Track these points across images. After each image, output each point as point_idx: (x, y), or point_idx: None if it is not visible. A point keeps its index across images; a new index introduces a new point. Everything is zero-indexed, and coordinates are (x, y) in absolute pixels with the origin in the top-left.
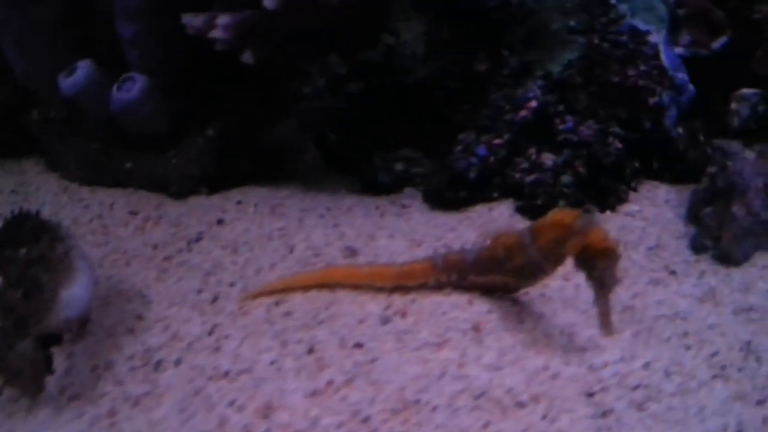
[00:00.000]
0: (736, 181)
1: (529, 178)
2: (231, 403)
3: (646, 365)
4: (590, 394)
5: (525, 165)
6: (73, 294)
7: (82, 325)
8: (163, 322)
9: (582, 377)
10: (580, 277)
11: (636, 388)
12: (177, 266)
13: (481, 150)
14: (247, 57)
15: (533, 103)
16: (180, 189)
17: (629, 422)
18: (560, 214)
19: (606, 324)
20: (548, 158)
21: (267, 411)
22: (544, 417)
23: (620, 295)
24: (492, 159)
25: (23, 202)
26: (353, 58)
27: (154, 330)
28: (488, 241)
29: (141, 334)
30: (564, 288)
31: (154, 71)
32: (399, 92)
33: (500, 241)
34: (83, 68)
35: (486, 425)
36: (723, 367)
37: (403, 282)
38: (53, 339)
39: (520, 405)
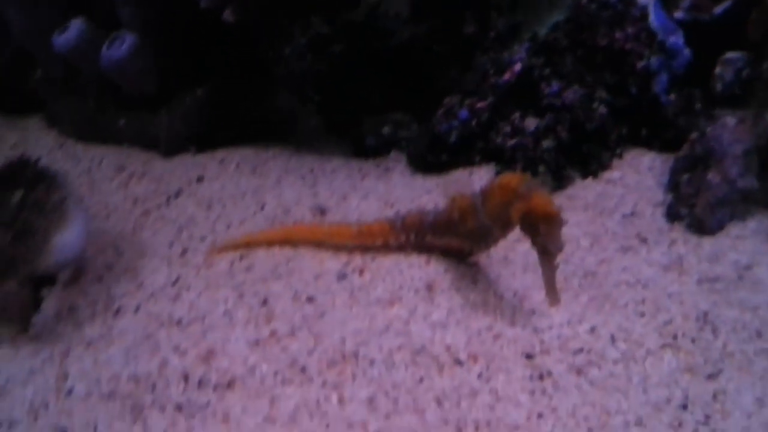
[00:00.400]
0: (714, 148)
1: (510, 143)
2: (175, 348)
3: (592, 330)
4: (530, 356)
5: (508, 129)
6: (66, 239)
7: (74, 270)
8: (131, 272)
9: (524, 339)
10: None
11: (578, 352)
12: (154, 220)
13: (463, 113)
14: (228, 15)
15: (518, 66)
16: (168, 147)
17: (566, 386)
18: (506, 178)
19: (551, 292)
20: (531, 123)
21: (208, 357)
22: (479, 375)
23: (586, 260)
24: (474, 122)
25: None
26: (336, 18)
27: (122, 279)
28: (447, 203)
29: (108, 282)
30: (529, 252)
31: (144, 30)
32: (384, 55)
33: (456, 203)
34: (75, 26)
35: (420, 380)
36: (675, 337)
37: (363, 241)
38: (45, 281)
39: (458, 362)
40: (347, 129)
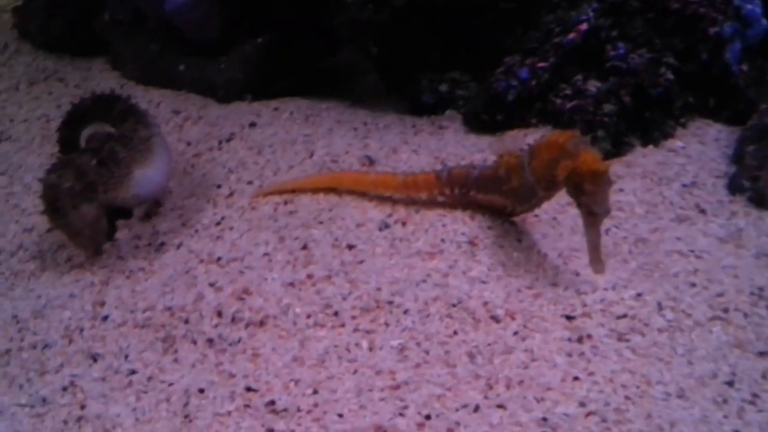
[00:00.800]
0: None
1: (569, 105)
2: (212, 284)
3: (638, 296)
4: (570, 318)
5: (568, 91)
6: (147, 174)
7: (153, 205)
8: (178, 211)
9: (565, 300)
10: None
11: (621, 317)
12: (204, 162)
13: (523, 72)
14: None
15: (584, 26)
16: (225, 94)
17: (605, 351)
18: (555, 135)
19: (595, 258)
20: (593, 86)
21: (243, 294)
22: (515, 333)
23: (639, 227)
24: (534, 83)
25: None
26: None
27: (168, 216)
28: (495, 160)
29: (155, 219)
30: (579, 215)
31: None
32: (447, 10)
33: (504, 159)
34: None
35: (454, 333)
36: (726, 310)
37: (407, 192)
38: (122, 213)
39: (494, 319)
40: (404, 86)
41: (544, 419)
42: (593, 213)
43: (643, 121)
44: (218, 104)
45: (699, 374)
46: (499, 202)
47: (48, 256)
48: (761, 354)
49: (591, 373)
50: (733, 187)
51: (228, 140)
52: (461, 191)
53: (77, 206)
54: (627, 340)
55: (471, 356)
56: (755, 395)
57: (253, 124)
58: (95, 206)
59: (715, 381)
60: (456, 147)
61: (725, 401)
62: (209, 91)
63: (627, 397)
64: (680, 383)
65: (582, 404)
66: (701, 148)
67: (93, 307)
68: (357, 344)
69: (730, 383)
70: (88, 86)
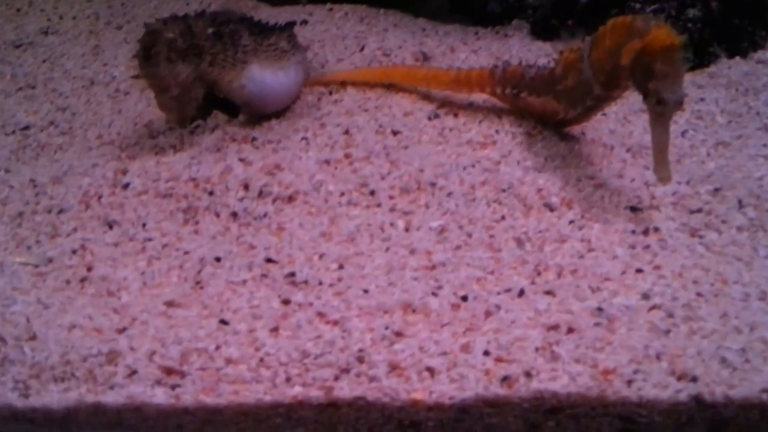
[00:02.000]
0: None
1: (649, 9)
2: (242, 159)
3: (716, 191)
4: (635, 209)
5: None
6: (265, 76)
7: (257, 109)
8: None
9: (631, 191)
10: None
11: (695, 212)
12: None
13: None
14: None
15: None
16: None
17: (674, 245)
18: (621, 17)
19: (660, 162)
20: None
21: (274, 170)
22: (571, 222)
23: (719, 134)
24: None
25: None
26: None
27: None
28: (556, 58)
29: None
30: None
31: None
32: None
33: (564, 56)
34: None
35: (501, 218)
36: None
37: (459, 88)
38: (226, 106)
39: (548, 206)
40: (470, 4)
41: (600, 309)
42: (663, 101)
43: (731, 29)
44: (271, 6)
45: None
46: (551, 106)
47: (78, 133)
48: None
49: (657, 267)
50: None
51: None
52: (513, 91)
53: (173, 61)
54: (701, 237)
55: (519, 242)
56: None
57: (304, 22)
58: (193, 71)
59: None
60: (520, 50)
61: None
62: None
63: (699, 294)
64: (762, 286)
65: (645, 296)
66: None
67: (114, 174)
68: (392, 224)
69: None
70: None
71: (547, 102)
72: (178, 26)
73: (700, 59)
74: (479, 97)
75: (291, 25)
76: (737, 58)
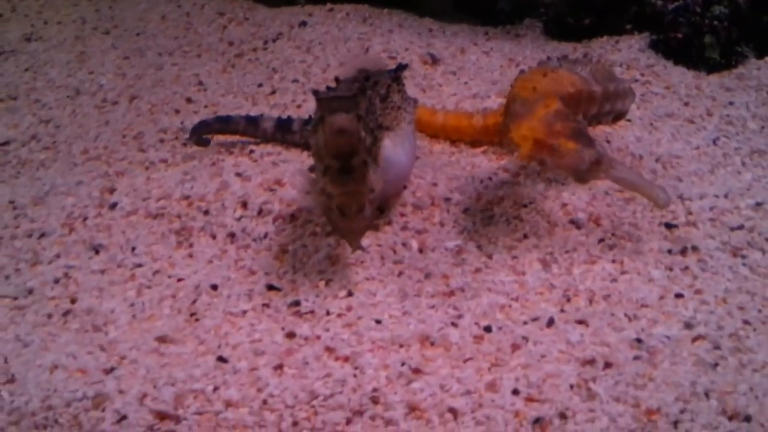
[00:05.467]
0: None
1: (672, 6)
2: (239, 175)
3: (758, 206)
4: (670, 226)
5: None
6: (395, 152)
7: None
8: (212, 108)
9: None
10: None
11: (736, 229)
12: (247, 62)
13: None
14: None
15: None
16: None
17: (715, 266)
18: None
19: (646, 194)
20: None
21: (274, 185)
22: (600, 240)
23: (753, 141)
24: None
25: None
26: None
27: (201, 112)
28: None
29: (185, 114)
30: (677, 123)
31: None
32: None
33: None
34: None
35: (523, 237)
36: None
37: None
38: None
39: (574, 223)
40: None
41: (639, 340)
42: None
43: (760, 27)
44: (267, 7)
45: None
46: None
47: (62, 148)
48: None
49: (698, 291)
50: None
51: (274, 40)
52: None
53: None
54: (743, 256)
55: (545, 263)
56: None
57: (303, 24)
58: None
59: None
60: (534, 51)
61: None
62: None
63: (746, 322)
64: None
65: (688, 326)
66: None
67: (101, 193)
68: (405, 244)
69: None
70: None
71: None
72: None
73: (727, 59)
74: (493, 101)
75: (402, 68)
76: (766, 59)
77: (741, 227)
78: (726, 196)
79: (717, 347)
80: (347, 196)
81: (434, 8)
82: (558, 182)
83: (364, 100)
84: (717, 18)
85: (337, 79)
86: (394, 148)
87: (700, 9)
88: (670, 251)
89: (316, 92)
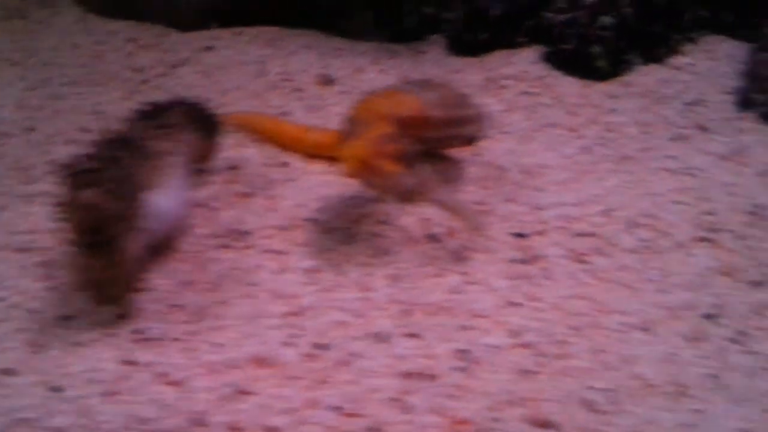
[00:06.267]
0: None
1: (562, 18)
2: None
3: (607, 212)
4: (521, 235)
5: (563, 4)
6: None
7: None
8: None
9: (520, 215)
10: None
11: (584, 235)
12: (150, 88)
13: None
14: None
15: None
16: (188, 21)
17: (558, 274)
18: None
19: (462, 220)
20: None
21: None
22: (453, 253)
23: (627, 147)
24: None
25: (45, 29)
26: None
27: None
28: None
29: (80, 144)
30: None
31: None
32: None
33: None
34: None
35: (381, 254)
36: (715, 230)
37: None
38: None
39: (431, 237)
40: (390, 12)
41: (463, 351)
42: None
43: (646, 35)
44: (180, 32)
45: (673, 305)
46: None
47: None
48: (755, 284)
49: (536, 299)
50: (744, 101)
51: (180, 65)
52: None
53: None
54: (587, 263)
55: (394, 279)
56: (742, 333)
57: (209, 48)
58: None
59: (692, 314)
60: (432, 68)
61: (700, 338)
62: (174, 21)
63: (574, 328)
64: (647, 314)
65: (516, 334)
66: (711, 64)
67: None
68: (263, 266)
69: (711, 316)
70: (50, 21)
71: None
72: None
73: (615, 68)
74: None
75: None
76: (653, 65)
77: (589, 234)
78: (580, 204)
79: (541, 354)
80: (100, 270)
81: (355, 28)
82: None
83: (116, 167)
84: (604, 28)
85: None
86: (161, 201)
87: (588, 20)
88: (516, 261)
89: (64, 166)
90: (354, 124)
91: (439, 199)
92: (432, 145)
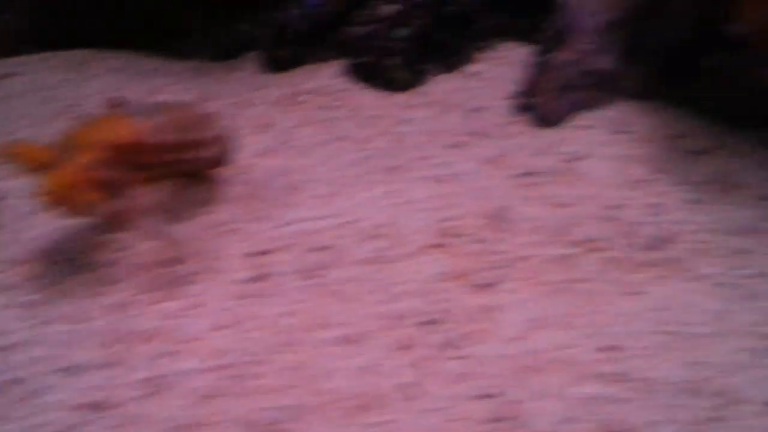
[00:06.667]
0: (569, 22)
1: (362, 31)
2: None
3: (348, 224)
4: (254, 254)
5: (363, 18)
6: None
7: None
8: None
9: (261, 234)
10: None
11: (318, 249)
12: None
13: None
14: None
15: None
16: (3, 47)
17: (284, 291)
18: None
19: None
20: (389, 8)
21: None
22: (182, 277)
23: (398, 158)
24: (326, 9)
25: None
26: None
27: None
28: None
29: None
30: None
31: None
32: None
33: None
34: None
35: (103, 284)
36: (453, 235)
37: None
38: None
39: (163, 264)
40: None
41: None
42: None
43: (442, 46)
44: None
45: (392, 313)
46: None
47: None
48: (484, 286)
49: (253, 318)
50: (520, 106)
51: None
52: None
53: None
54: (316, 276)
55: (120, 308)
56: (463, 336)
57: (6, 76)
58: None
59: (408, 321)
60: (236, 86)
61: (409, 346)
62: None
63: (284, 344)
64: (362, 325)
65: (218, 354)
66: (501, 70)
67: None
68: None
69: (430, 322)
70: None
71: None
72: None
73: (413, 79)
74: None
75: None
76: (449, 75)
77: (325, 248)
78: (324, 218)
79: (237, 376)
80: None
81: (190, 48)
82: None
83: None
84: (400, 39)
85: None
86: None
87: (385, 32)
88: (247, 280)
89: None
90: (61, 150)
91: (145, 227)
92: (158, 170)
